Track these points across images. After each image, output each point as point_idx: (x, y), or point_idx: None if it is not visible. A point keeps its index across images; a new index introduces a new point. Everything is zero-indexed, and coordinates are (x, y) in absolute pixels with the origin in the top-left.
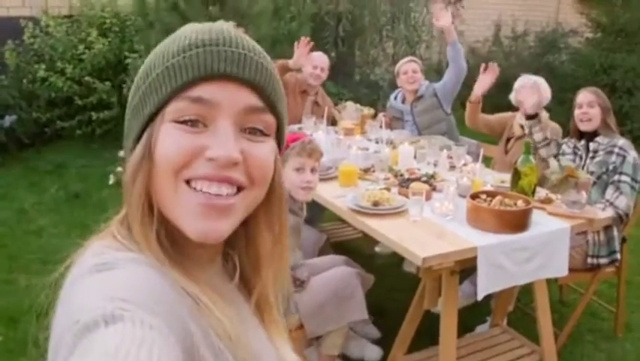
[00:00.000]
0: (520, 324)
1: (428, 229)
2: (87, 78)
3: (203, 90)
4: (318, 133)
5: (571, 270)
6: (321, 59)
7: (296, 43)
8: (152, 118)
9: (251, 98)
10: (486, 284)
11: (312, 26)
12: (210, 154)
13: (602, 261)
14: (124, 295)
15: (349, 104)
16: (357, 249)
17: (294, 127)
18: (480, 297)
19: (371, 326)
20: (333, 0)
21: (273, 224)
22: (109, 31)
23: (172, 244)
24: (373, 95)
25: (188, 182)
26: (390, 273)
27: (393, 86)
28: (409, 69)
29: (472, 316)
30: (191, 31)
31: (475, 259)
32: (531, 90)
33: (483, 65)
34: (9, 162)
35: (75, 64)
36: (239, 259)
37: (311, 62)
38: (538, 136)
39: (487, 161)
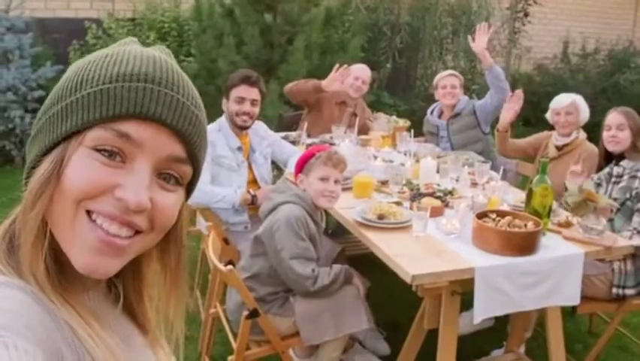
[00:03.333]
0: (541, 351)
1: (429, 246)
2: None
3: (133, 128)
4: (345, 142)
5: (594, 299)
6: (362, 71)
7: (335, 67)
8: (68, 135)
9: (177, 148)
10: (484, 307)
11: (368, 36)
12: (121, 195)
13: (629, 292)
14: None
15: (381, 115)
16: (378, 263)
17: (327, 136)
18: (477, 320)
19: (382, 341)
20: (394, 11)
21: (169, 266)
22: (168, 35)
23: (57, 266)
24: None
25: (89, 213)
26: (408, 289)
27: None
28: (447, 84)
29: (489, 339)
30: (132, 57)
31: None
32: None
33: (509, 94)
34: None
35: None
36: (123, 287)
37: (352, 74)
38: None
39: (526, 180)
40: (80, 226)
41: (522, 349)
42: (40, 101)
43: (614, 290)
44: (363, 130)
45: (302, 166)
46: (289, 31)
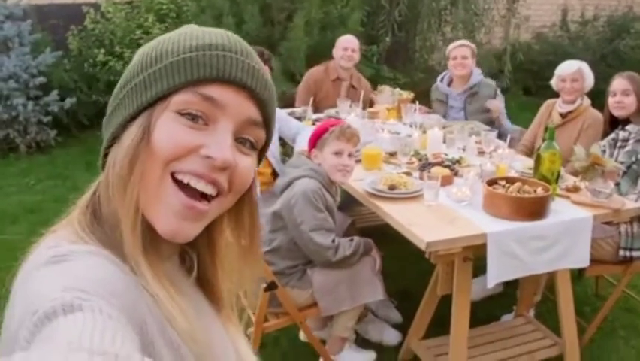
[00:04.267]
0: (551, 315)
1: (441, 214)
2: None
3: (216, 91)
4: (351, 116)
5: (602, 262)
6: (350, 41)
7: None
8: (152, 103)
9: (254, 111)
10: (496, 272)
11: (367, 10)
12: (208, 152)
13: (636, 254)
14: (82, 285)
15: (385, 87)
16: (389, 234)
17: (332, 111)
18: (490, 285)
19: (393, 309)
20: None
21: (242, 231)
22: (166, 17)
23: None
24: (430, 81)
25: (174, 177)
26: (421, 259)
27: None
28: (458, 55)
29: (499, 305)
30: (206, 32)
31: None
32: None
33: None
34: (70, 143)
35: (133, 48)
36: (198, 256)
37: (340, 45)
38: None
39: None
40: (165, 191)
41: (531, 313)
42: (42, 87)
43: (621, 253)
44: (365, 101)
45: (315, 141)
46: (288, 7)
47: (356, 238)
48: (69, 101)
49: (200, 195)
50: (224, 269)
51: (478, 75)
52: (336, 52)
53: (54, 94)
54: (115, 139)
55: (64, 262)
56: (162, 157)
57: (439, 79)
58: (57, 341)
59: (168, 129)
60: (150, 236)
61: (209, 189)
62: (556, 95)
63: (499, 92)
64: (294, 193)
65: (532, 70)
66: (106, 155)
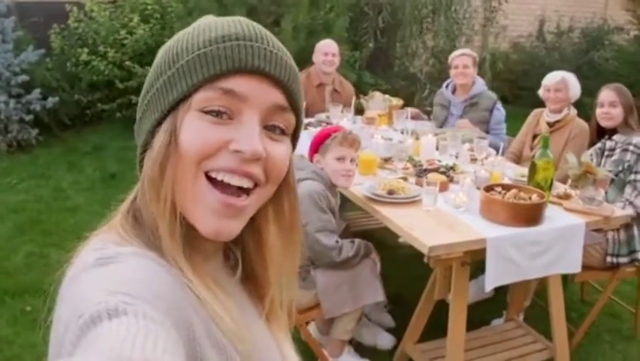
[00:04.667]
0: (538, 320)
1: (440, 219)
2: (128, 62)
3: (236, 83)
4: (343, 122)
5: (590, 268)
6: (330, 46)
7: None
8: (175, 105)
9: (278, 97)
10: (495, 276)
11: (350, 17)
12: (236, 147)
13: (622, 260)
14: (127, 288)
15: (376, 94)
16: (380, 239)
17: (322, 115)
18: (488, 289)
19: (386, 314)
20: None
21: (283, 221)
22: (150, 18)
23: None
24: (411, 87)
25: (207, 175)
26: (412, 263)
27: (432, 78)
28: (459, 64)
29: (489, 309)
30: (220, 23)
31: (485, 250)
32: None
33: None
34: (51, 142)
35: (117, 48)
36: (242, 254)
37: (320, 51)
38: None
39: None
40: (201, 190)
41: (521, 317)
42: (24, 86)
43: (609, 259)
44: (349, 102)
45: (317, 146)
46: (275, 11)
47: (357, 240)
48: (51, 100)
49: (238, 190)
50: (272, 263)
51: (481, 86)
52: (317, 57)
53: (36, 92)
54: (147, 145)
55: (111, 264)
56: (192, 158)
57: (444, 85)
58: (100, 347)
59: (194, 129)
60: (192, 236)
61: (245, 183)
62: (534, 103)
63: (499, 105)
64: (300, 195)
65: (510, 79)
66: (141, 161)
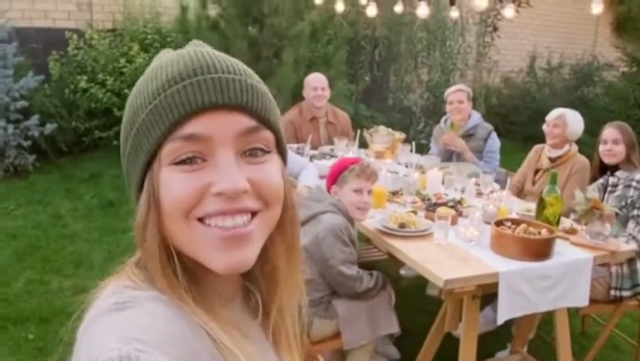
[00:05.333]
0: (542, 353)
1: (452, 253)
2: (126, 91)
3: (194, 126)
4: (349, 155)
5: (593, 301)
6: (319, 80)
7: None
8: (149, 164)
9: (244, 121)
10: (506, 310)
11: (348, 50)
12: (217, 189)
13: (625, 293)
14: (141, 335)
15: (381, 128)
16: (382, 270)
17: (326, 148)
18: (500, 322)
19: (392, 346)
20: (370, 25)
21: (285, 240)
22: (150, 47)
23: (194, 282)
24: (406, 121)
25: (201, 219)
26: (414, 296)
27: (426, 112)
28: (454, 99)
29: (493, 342)
30: (166, 64)
31: (496, 284)
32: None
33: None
34: (48, 169)
35: (116, 76)
36: (259, 289)
37: (309, 86)
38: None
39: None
40: (200, 234)
41: (524, 349)
42: (23, 111)
43: (612, 292)
44: (345, 132)
45: (335, 178)
46: (276, 44)
47: (375, 272)
48: (49, 127)
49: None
50: (280, 285)
51: (477, 119)
52: (307, 92)
53: (35, 119)
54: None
55: (127, 309)
56: (178, 213)
57: (442, 120)
58: None
59: (171, 184)
60: (210, 280)
61: (238, 220)
62: (525, 137)
63: (494, 134)
64: (322, 229)
65: (501, 113)
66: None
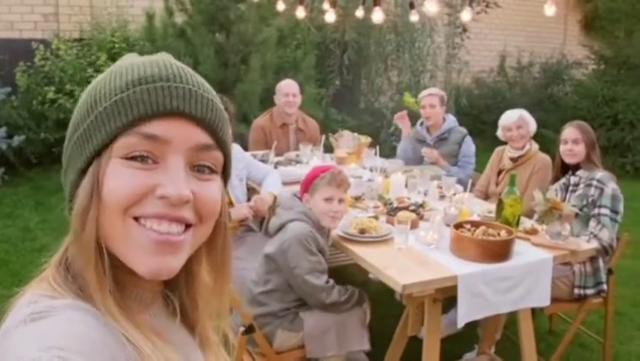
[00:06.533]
0: (509, 352)
1: (411, 257)
2: None
3: (157, 127)
4: (314, 160)
5: (558, 300)
6: (290, 86)
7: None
8: (98, 153)
9: (202, 136)
10: (466, 312)
11: (316, 54)
12: (162, 192)
13: (589, 291)
14: (61, 343)
15: (346, 132)
16: (350, 275)
17: (292, 154)
18: (460, 325)
19: (361, 352)
20: (339, 29)
21: (215, 259)
22: (118, 55)
23: (116, 283)
24: (377, 123)
25: (136, 219)
26: (382, 300)
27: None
28: (426, 104)
29: (460, 343)
30: (137, 65)
31: (456, 287)
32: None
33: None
34: (16, 181)
35: (84, 86)
36: (179, 297)
37: (281, 92)
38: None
39: None
40: (133, 234)
41: (492, 350)
42: None
43: (576, 291)
44: (314, 139)
45: (307, 186)
46: (243, 50)
47: (351, 287)
48: (17, 139)
49: (167, 233)
50: (202, 299)
51: (452, 122)
52: (278, 98)
53: (2, 131)
54: (73, 196)
55: (43, 318)
56: (118, 207)
57: (419, 122)
58: None
59: (118, 177)
60: (129, 283)
61: (174, 228)
62: (496, 137)
63: (468, 138)
64: (288, 238)
65: (473, 113)
66: (70, 210)
